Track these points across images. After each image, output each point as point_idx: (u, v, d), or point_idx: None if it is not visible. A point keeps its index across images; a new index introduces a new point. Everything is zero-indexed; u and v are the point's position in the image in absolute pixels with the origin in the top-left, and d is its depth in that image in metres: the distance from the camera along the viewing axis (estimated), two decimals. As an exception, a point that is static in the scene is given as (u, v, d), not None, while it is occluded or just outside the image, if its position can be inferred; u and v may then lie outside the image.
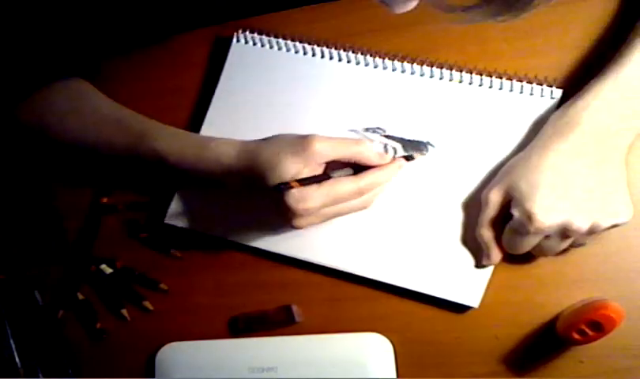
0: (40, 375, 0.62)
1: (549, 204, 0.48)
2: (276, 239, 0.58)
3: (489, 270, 0.54)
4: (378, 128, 0.57)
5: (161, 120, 0.59)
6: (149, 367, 0.62)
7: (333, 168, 0.53)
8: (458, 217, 0.55)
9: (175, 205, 0.61)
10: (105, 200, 0.64)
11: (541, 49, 0.56)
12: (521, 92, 0.54)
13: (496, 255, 0.53)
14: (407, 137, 0.57)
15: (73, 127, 0.59)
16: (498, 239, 0.52)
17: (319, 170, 0.52)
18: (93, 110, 0.60)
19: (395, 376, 0.56)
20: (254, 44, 0.61)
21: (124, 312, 0.62)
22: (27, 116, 0.60)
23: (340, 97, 0.59)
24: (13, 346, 0.63)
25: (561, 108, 0.51)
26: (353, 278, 0.57)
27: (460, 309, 0.55)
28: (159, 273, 0.63)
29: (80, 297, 0.64)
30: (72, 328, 0.64)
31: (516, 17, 0.32)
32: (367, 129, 0.58)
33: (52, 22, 0.56)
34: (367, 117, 0.58)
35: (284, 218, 0.51)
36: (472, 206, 0.54)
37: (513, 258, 0.53)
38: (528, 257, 0.53)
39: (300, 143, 0.51)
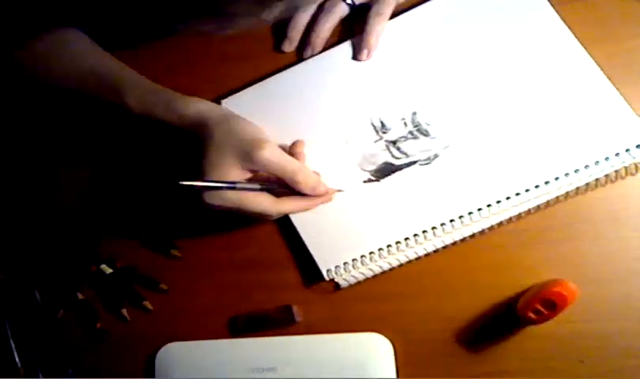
0: (40, 375, 0.62)
1: None
2: None
3: None
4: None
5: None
6: (149, 367, 0.62)
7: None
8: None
9: None
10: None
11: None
12: None
13: None
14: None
15: (57, 76, 0.60)
16: None
17: (250, 174, 0.53)
18: (74, 61, 0.60)
19: (395, 376, 0.56)
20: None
21: (124, 312, 0.62)
22: (19, 61, 0.61)
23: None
24: (13, 346, 0.62)
25: None
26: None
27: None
28: (159, 273, 0.63)
29: (80, 297, 0.64)
30: (72, 328, 0.64)
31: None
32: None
33: None
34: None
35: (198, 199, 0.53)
36: None
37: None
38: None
39: (249, 146, 0.51)
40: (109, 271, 0.63)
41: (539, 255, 0.55)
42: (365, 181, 0.57)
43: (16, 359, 0.62)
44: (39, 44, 0.60)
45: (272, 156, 0.52)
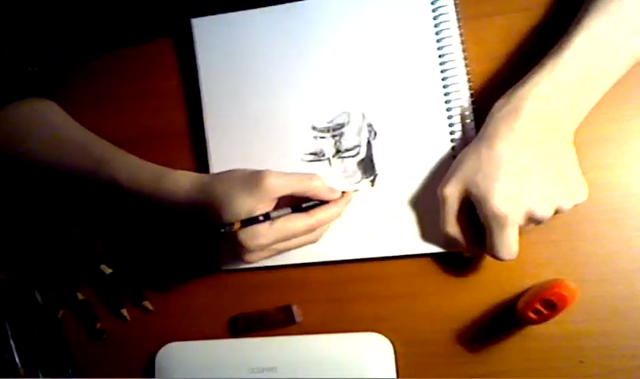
0: (40, 375, 0.62)
1: (511, 195, 0.48)
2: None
3: None
4: (375, 132, 0.57)
5: (160, 123, 0.59)
6: (149, 367, 0.62)
7: (285, 201, 0.52)
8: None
9: (224, 248, 0.60)
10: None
11: (541, 49, 0.57)
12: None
13: (472, 248, 0.53)
14: (373, 157, 0.57)
15: (34, 149, 0.59)
16: (467, 231, 0.52)
17: (271, 205, 0.52)
18: (54, 133, 0.60)
19: (395, 376, 0.56)
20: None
21: (124, 312, 0.62)
22: None
23: (389, 83, 0.57)
24: (13, 346, 0.63)
25: (504, 96, 0.50)
26: (353, 278, 0.58)
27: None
28: (159, 273, 0.63)
29: (80, 297, 0.64)
30: (72, 328, 0.64)
31: None
32: (369, 125, 0.57)
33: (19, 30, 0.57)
34: (383, 115, 0.57)
35: (236, 252, 0.52)
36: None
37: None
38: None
39: (253, 179, 0.51)
40: (109, 271, 0.63)
41: (539, 255, 0.55)
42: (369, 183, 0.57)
43: (17, 359, 0.62)
44: (10, 116, 0.60)
45: (278, 177, 0.51)
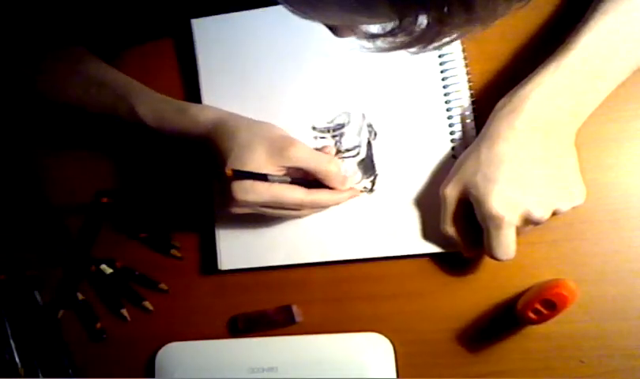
0: (40, 375, 0.62)
1: (509, 197, 0.48)
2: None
3: None
4: (375, 132, 0.57)
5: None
6: (149, 367, 0.62)
7: (292, 171, 0.53)
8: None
9: (223, 248, 0.59)
10: (105, 200, 0.64)
11: (542, 49, 0.57)
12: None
13: (470, 248, 0.53)
14: (374, 157, 0.57)
15: (65, 91, 0.60)
16: (464, 232, 0.52)
17: (281, 172, 0.52)
18: (81, 70, 0.60)
19: (395, 376, 0.56)
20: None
21: (124, 312, 0.62)
22: (23, 79, 0.61)
23: (391, 83, 0.57)
24: (13, 346, 0.63)
25: (507, 96, 0.50)
26: (353, 278, 0.58)
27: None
28: (159, 273, 0.63)
29: (80, 297, 0.64)
30: (72, 328, 0.64)
31: (426, 49, 0.31)
32: (369, 125, 0.57)
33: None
34: (384, 115, 0.57)
35: (224, 199, 0.52)
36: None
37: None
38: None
39: (280, 143, 0.51)
40: (109, 271, 0.63)
41: (539, 255, 0.55)
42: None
43: (17, 359, 0.62)
44: (44, 62, 0.60)
45: (305, 151, 0.52)
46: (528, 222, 0.49)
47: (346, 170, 0.57)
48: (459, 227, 0.52)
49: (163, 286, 0.62)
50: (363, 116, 0.57)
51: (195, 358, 0.60)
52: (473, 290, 0.56)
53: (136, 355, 0.62)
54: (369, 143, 0.57)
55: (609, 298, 0.53)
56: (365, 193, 0.57)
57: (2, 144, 0.67)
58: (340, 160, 0.57)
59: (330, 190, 0.54)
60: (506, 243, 0.49)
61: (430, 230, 0.55)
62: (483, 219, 0.49)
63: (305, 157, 0.52)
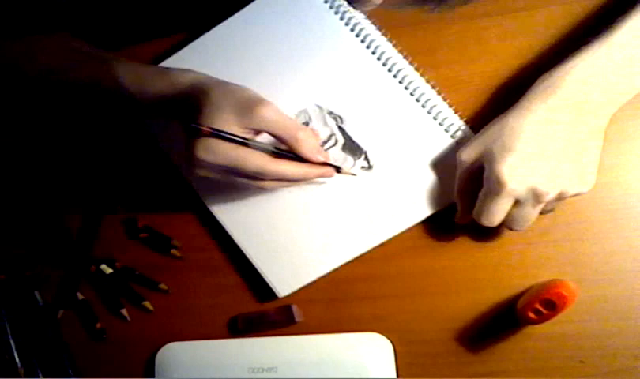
0: (40, 375, 0.62)
1: (520, 167, 0.48)
2: None
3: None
4: (340, 116, 0.58)
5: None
6: (149, 367, 0.62)
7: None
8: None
9: (271, 278, 0.59)
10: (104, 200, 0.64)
11: (541, 49, 0.57)
12: (435, 119, 0.56)
13: (464, 215, 0.53)
14: (353, 137, 0.57)
15: (42, 62, 0.58)
16: (467, 200, 0.52)
17: (249, 135, 0.50)
18: (62, 43, 0.59)
19: (395, 376, 0.56)
20: None
21: (124, 312, 0.62)
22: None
23: (332, 69, 0.58)
24: (13, 346, 0.63)
25: (548, 72, 0.50)
26: (353, 278, 0.58)
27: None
28: (159, 273, 0.63)
29: (80, 297, 0.64)
30: (72, 328, 0.64)
31: (450, 9, 0.31)
32: (330, 113, 0.58)
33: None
34: (339, 99, 0.58)
35: (185, 156, 0.50)
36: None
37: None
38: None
39: (250, 103, 0.49)
40: (109, 271, 0.63)
41: (539, 255, 0.55)
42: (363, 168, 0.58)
43: (17, 359, 0.62)
44: (21, 42, 0.59)
45: (274, 114, 0.49)
46: (533, 197, 0.48)
47: (335, 160, 0.57)
48: (465, 193, 0.52)
49: (163, 286, 0.62)
50: (319, 107, 0.58)
51: (195, 358, 0.60)
52: (473, 290, 0.56)
53: (136, 355, 0.62)
54: (340, 128, 0.58)
55: (609, 298, 0.53)
56: (365, 171, 0.57)
57: (2, 145, 0.67)
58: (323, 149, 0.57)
59: (298, 162, 0.52)
60: (495, 210, 0.49)
61: (425, 196, 0.56)
62: (487, 180, 0.49)
63: (274, 119, 0.49)
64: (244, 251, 0.59)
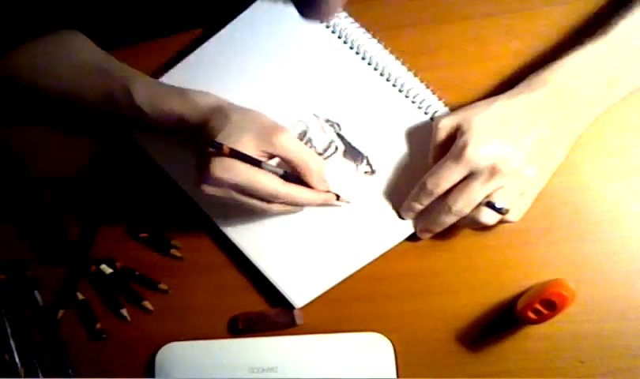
0: (40, 375, 0.62)
1: (489, 143, 0.48)
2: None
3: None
4: (337, 123, 0.58)
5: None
6: (149, 367, 0.62)
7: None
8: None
9: (286, 289, 0.58)
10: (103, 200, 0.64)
11: (541, 49, 0.57)
12: (413, 102, 0.57)
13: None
14: (352, 143, 0.58)
15: (59, 74, 0.59)
16: None
17: (265, 159, 0.51)
18: (78, 56, 0.60)
19: (395, 376, 0.56)
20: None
21: (124, 312, 0.62)
22: (11, 67, 0.60)
23: (325, 77, 0.59)
24: (13, 346, 0.62)
25: (542, 67, 0.51)
26: (353, 278, 0.58)
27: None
28: (159, 273, 0.63)
29: (80, 297, 0.64)
30: (72, 328, 0.64)
31: None
32: (327, 120, 0.58)
33: None
34: (335, 106, 0.58)
35: (200, 174, 0.51)
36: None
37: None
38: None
39: (270, 129, 0.51)
40: (109, 271, 0.63)
41: (539, 255, 0.55)
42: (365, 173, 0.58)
43: (17, 359, 0.62)
44: (39, 44, 0.60)
45: (291, 141, 0.51)
46: (488, 172, 0.48)
47: (338, 168, 0.58)
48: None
49: (163, 286, 0.62)
50: (316, 116, 0.58)
51: (195, 358, 0.60)
52: (473, 290, 0.56)
53: (136, 355, 0.62)
54: (339, 135, 0.58)
55: (609, 298, 0.53)
56: (368, 176, 0.57)
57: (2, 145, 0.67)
58: (325, 162, 0.58)
59: (307, 188, 0.53)
60: (445, 175, 0.50)
61: None
62: (453, 146, 0.49)
63: (290, 147, 0.51)
64: (257, 265, 0.59)
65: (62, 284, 0.64)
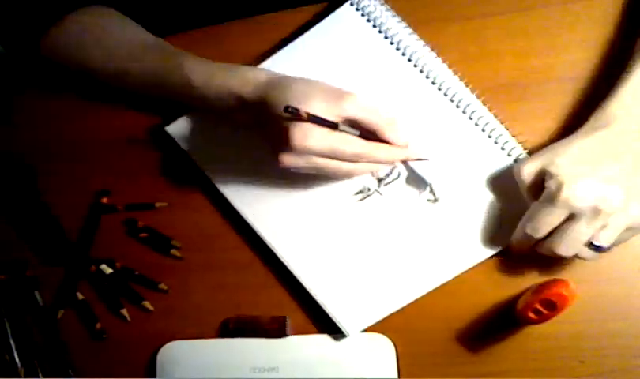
0: (40, 375, 0.62)
1: (584, 180, 0.46)
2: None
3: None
4: None
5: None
6: (150, 367, 0.62)
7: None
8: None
9: (337, 316, 0.57)
10: (105, 200, 0.64)
11: (541, 49, 0.57)
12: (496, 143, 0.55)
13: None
14: (416, 170, 0.56)
15: (108, 46, 0.59)
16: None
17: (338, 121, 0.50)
18: (125, 31, 0.60)
19: (396, 376, 0.56)
20: (363, 15, 0.58)
21: (124, 312, 0.62)
22: (57, 43, 0.60)
23: (389, 100, 0.57)
24: (13, 346, 0.62)
25: (604, 100, 0.50)
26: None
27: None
28: (159, 273, 0.63)
29: (80, 297, 0.64)
30: (72, 328, 0.64)
31: None
32: None
33: None
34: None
35: (277, 147, 0.50)
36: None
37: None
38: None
39: (337, 93, 0.50)
40: (109, 271, 0.63)
41: (539, 255, 0.55)
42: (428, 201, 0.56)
43: (16, 359, 0.62)
44: (85, 18, 0.59)
45: (361, 102, 0.50)
46: (591, 213, 0.46)
47: (400, 194, 0.57)
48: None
49: (163, 286, 0.62)
50: None
51: (196, 358, 0.60)
52: (473, 290, 0.56)
53: (136, 355, 0.62)
54: (402, 161, 0.56)
55: (609, 298, 0.53)
56: (431, 204, 0.56)
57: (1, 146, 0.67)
58: (386, 187, 0.57)
59: (387, 145, 0.52)
60: (544, 220, 0.48)
61: (501, 223, 0.55)
62: (546, 188, 0.48)
63: (362, 106, 0.50)
64: (309, 289, 0.57)
65: (62, 284, 0.64)
